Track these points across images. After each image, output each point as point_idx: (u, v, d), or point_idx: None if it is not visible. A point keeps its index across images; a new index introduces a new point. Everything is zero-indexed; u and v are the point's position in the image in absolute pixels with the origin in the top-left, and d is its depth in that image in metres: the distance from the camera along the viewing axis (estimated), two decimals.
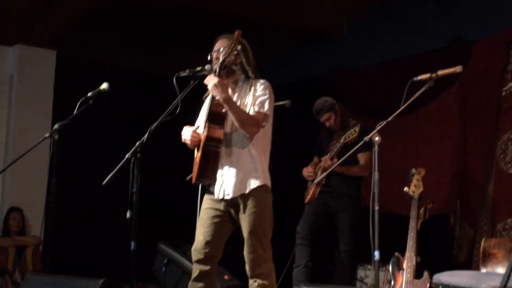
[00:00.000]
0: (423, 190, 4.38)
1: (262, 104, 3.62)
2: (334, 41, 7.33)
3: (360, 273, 5.73)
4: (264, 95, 3.64)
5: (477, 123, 5.72)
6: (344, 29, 7.27)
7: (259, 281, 3.57)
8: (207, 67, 3.68)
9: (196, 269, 3.65)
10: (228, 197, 3.61)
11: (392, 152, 6.16)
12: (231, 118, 3.60)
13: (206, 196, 3.75)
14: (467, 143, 5.78)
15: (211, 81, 3.53)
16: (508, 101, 5.57)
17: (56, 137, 3.90)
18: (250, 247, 3.58)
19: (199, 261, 3.64)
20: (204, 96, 3.87)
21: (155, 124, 3.48)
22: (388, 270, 4.21)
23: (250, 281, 3.62)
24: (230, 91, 3.64)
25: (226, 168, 3.63)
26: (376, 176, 3.52)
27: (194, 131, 3.70)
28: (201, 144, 3.63)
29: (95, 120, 7.16)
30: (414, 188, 4.39)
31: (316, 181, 5.28)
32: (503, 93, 5.58)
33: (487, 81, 5.66)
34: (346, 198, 5.44)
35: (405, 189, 4.41)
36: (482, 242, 4.23)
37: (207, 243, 3.62)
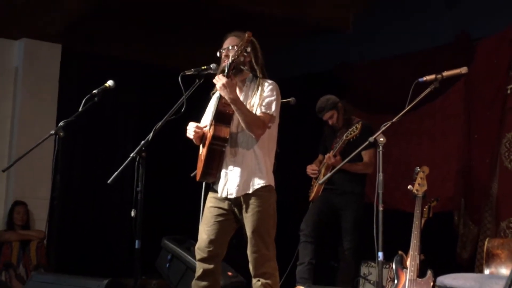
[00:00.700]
0: (427, 188, 4.39)
1: (269, 105, 3.62)
2: (340, 35, 7.31)
3: (364, 270, 5.74)
4: (271, 96, 3.63)
5: (482, 121, 5.70)
6: (350, 23, 7.25)
7: (262, 280, 3.57)
8: (212, 65, 3.68)
9: (199, 268, 3.65)
10: (231, 196, 3.62)
11: (396, 147, 6.15)
12: (237, 118, 3.60)
13: (210, 195, 3.76)
14: (472, 141, 5.77)
15: (219, 81, 3.52)
16: None
17: (61, 134, 3.91)
18: (253, 246, 3.58)
19: (202, 260, 3.64)
20: (212, 93, 3.86)
21: (160, 123, 3.48)
22: (392, 267, 4.21)
23: (254, 280, 3.62)
24: (237, 90, 3.64)
25: (230, 167, 3.64)
26: (380, 177, 3.53)
27: (197, 126, 3.71)
28: (207, 142, 3.63)
29: (101, 115, 7.16)
30: (418, 187, 4.40)
31: (320, 182, 5.31)
32: (508, 91, 5.57)
33: (492, 79, 5.64)
34: (350, 195, 5.45)
35: (409, 187, 4.42)
36: (486, 243, 4.22)
37: (211, 242, 3.63)
